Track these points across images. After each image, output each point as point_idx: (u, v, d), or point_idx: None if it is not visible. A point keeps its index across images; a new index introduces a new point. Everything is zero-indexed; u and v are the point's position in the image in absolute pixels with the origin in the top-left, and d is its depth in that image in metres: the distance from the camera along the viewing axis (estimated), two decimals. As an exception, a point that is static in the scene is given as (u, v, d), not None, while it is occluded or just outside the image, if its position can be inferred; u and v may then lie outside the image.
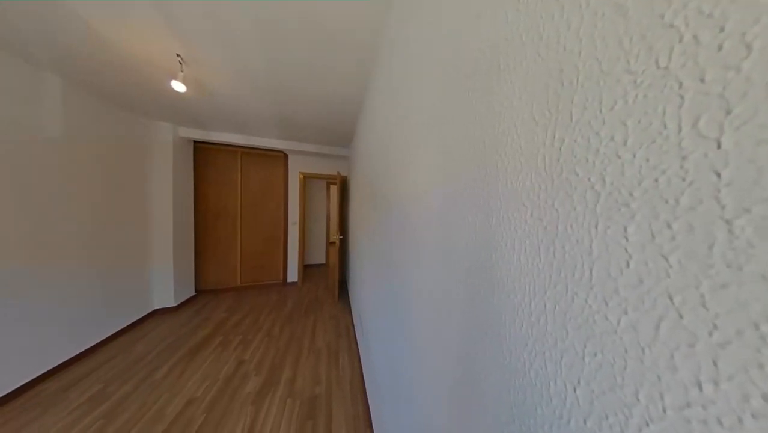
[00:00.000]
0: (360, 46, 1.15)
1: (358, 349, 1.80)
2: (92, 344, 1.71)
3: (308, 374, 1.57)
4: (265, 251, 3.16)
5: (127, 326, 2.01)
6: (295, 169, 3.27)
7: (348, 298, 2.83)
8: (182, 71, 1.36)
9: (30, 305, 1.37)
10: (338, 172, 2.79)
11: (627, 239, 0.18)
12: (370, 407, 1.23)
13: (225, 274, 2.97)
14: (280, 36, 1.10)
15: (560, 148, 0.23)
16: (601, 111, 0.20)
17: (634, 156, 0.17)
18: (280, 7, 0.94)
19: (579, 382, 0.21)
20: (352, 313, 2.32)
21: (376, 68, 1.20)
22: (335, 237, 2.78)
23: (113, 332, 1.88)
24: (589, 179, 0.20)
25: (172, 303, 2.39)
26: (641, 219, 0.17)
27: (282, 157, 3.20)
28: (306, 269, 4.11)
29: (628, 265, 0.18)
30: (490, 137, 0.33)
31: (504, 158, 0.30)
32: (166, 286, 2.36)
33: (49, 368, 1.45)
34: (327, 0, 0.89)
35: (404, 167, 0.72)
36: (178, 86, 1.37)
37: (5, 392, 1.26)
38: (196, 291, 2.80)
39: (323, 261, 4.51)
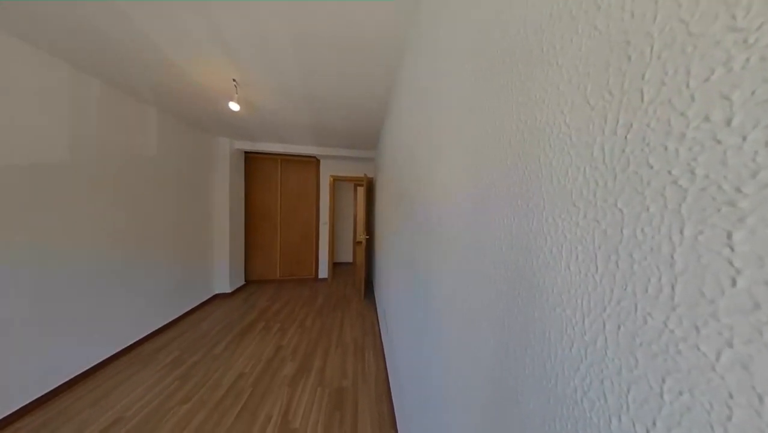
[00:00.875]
0: (386, 51, 1.17)
1: (383, 347, 1.81)
2: (173, 319, 2.14)
3: (336, 366, 1.65)
4: (300, 248, 3.46)
5: (197, 306, 2.44)
6: (326, 173, 3.50)
7: (374, 296, 2.88)
8: (237, 93, 1.59)
9: (135, 284, 1.79)
10: (365, 175, 2.87)
11: (732, 249, 0.14)
12: (395, 407, 1.23)
13: (267, 267, 3.35)
14: (313, 49, 1.19)
15: (626, 136, 0.19)
16: (688, 85, 0.15)
17: (744, 139, 0.13)
18: (314, 19, 1.02)
19: (655, 424, 0.17)
20: (378, 312, 2.35)
21: (403, 71, 1.19)
22: (362, 237, 2.87)
23: (187, 309, 2.31)
24: (669, 172, 0.16)
25: (228, 290, 2.81)
26: (756, 222, 0.13)
27: (315, 162, 3.46)
28: (335, 266, 4.34)
29: (734, 283, 0.13)
30: (530, 129, 0.29)
31: (548, 152, 0.26)
32: (223, 275, 2.79)
33: (146, 334, 1.87)
34: (355, 1, 0.93)
35: (430, 168, 0.69)
36: (234, 106, 1.60)
37: (119, 349, 1.67)
38: (245, 281, 3.23)
39: (350, 260, 4.70)
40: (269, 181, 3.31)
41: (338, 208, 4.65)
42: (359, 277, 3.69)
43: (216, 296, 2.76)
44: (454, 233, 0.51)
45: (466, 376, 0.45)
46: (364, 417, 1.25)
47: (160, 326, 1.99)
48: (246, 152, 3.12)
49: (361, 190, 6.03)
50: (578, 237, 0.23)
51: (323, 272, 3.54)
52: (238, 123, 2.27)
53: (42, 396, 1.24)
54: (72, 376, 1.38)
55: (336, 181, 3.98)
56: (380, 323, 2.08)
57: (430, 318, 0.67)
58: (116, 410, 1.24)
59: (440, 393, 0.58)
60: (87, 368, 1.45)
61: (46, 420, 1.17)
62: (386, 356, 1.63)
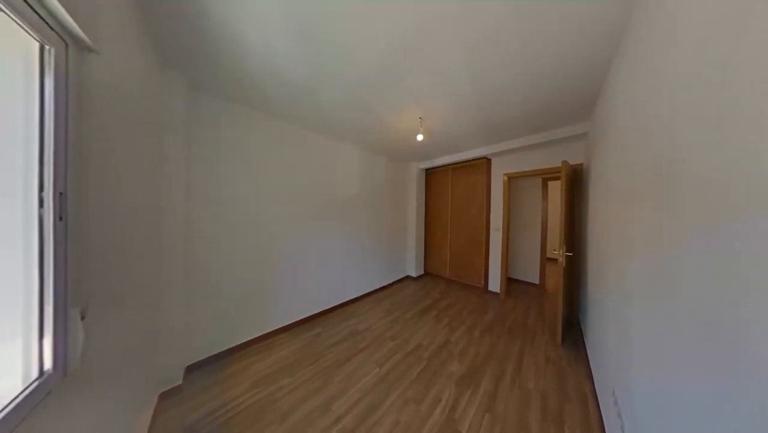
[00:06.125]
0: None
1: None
2: (386, 284, 3.40)
3: (512, 409, 1.33)
4: (467, 252, 3.44)
5: (397, 280, 3.63)
6: (499, 172, 3.07)
7: (583, 348, 1.85)
8: (421, 127, 2.08)
9: (374, 257, 3.17)
10: (563, 162, 1.99)
11: None
12: None
13: (439, 264, 3.83)
14: (483, 47, 1.13)
15: None
16: None
17: None
18: (484, 20, 0.97)
19: None
20: (594, 380, 1.47)
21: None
22: (559, 253, 2.01)
23: (393, 280, 3.54)
24: None
25: (414, 274, 3.77)
26: None
27: (485, 163, 3.21)
28: (509, 283, 3.59)
29: None
30: None
31: None
32: (411, 263, 3.80)
33: (376, 288, 3.21)
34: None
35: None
36: (419, 137, 2.12)
37: (366, 292, 3.05)
38: (424, 271, 4.05)
39: (533, 280, 3.54)
40: (441, 189, 3.79)
41: (516, 212, 3.79)
42: (554, 309, 2.64)
43: (407, 277, 3.84)
44: None
45: None
46: None
47: (380, 286, 3.30)
48: (425, 169, 3.92)
49: (555, 186, 4.30)
50: None
51: (494, 284, 3.12)
52: (421, 149, 2.94)
53: (341, 303, 2.75)
54: (354, 297, 2.84)
55: (512, 179, 3.29)
56: (601, 404, 1.28)
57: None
58: (368, 322, 2.31)
59: None
60: (358, 295, 2.91)
61: (343, 314, 2.55)
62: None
